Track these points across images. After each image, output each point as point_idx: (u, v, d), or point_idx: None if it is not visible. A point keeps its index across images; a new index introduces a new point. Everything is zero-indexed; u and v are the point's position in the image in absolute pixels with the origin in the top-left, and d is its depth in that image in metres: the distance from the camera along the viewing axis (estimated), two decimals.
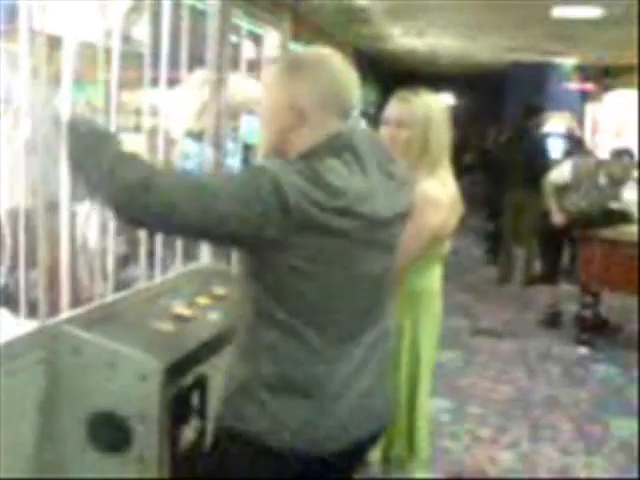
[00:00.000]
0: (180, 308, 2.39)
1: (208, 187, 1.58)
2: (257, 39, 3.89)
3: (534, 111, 7.88)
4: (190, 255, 3.08)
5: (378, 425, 1.84)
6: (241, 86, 3.38)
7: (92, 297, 2.49)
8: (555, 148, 8.89)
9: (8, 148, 2.69)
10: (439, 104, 2.61)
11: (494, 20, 8.85)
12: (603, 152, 7.85)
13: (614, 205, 5.83)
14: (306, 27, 8.85)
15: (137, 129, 2.76)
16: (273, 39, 3.56)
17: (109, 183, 1.59)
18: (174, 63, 2.92)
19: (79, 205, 2.95)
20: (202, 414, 2.16)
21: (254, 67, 3.82)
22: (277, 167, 1.57)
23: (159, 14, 2.79)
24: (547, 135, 8.56)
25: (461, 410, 4.26)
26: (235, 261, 1.86)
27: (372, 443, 1.89)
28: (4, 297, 2.43)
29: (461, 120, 15.92)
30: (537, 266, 6.93)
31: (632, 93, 10.33)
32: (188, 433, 2.10)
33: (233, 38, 3.51)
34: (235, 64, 3.34)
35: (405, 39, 11.04)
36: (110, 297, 2.41)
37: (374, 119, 13.94)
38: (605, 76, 12.31)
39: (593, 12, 7.78)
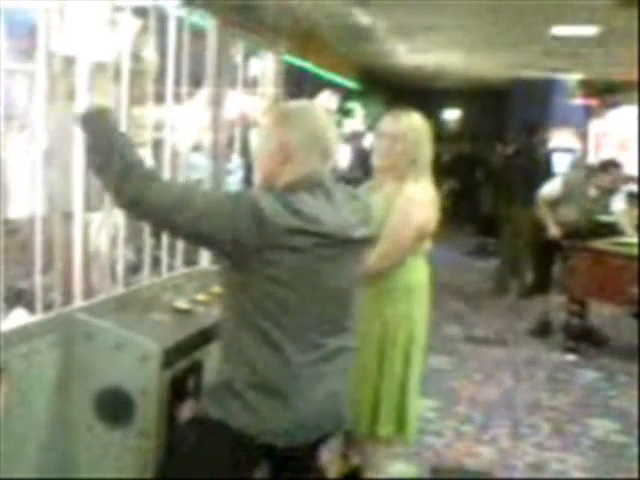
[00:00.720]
0: (180, 303, 2.66)
1: (195, 201, 1.91)
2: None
3: (534, 129, 8.08)
4: (191, 260, 3.32)
5: (336, 425, 2.18)
6: (238, 102, 3.62)
7: None
8: (561, 163, 9.08)
9: (25, 160, 2.92)
10: (425, 123, 2.98)
11: (495, 38, 9.12)
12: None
13: (603, 218, 6.07)
14: (312, 45, 9.13)
15: (146, 143, 2.96)
16: (270, 60, 3.81)
17: (119, 179, 1.93)
18: (179, 80, 3.16)
19: (92, 214, 3.16)
20: (197, 396, 2.43)
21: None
22: (257, 193, 1.94)
23: (165, 33, 3.04)
24: (552, 150, 8.68)
25: (447, 409, 4.50)
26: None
27: (328, 439, 2.22)
28: (22, 299, 2.68)
29: (467, 135, 16.17)
30: (529, 277, 7.15)
31: (635, 109, 10.50)
32: (184, 412, 2.36)
33: (237, 57, 3.78)
34: (234, 81, 3.57)
35: (410, 56, 11.27)
36: (118, 292, 2.68)
37: None
38: (608, 92, 12.48)
39: (590, 30, 8.04)
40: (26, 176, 2.74)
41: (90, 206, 2.66)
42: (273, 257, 1.89)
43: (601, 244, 5.63)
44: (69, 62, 2.56)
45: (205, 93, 3.39)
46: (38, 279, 2.34)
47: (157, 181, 1.97)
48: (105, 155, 1.96)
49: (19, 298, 2.77)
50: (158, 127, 3.15)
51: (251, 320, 1.96)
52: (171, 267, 3.09)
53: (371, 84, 13.41)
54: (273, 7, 3.47)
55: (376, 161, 3.01)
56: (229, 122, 3.54)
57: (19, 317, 2.50)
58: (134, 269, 3.27)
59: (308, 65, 9.39)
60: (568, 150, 11.20)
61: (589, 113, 12.96)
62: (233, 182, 3.67)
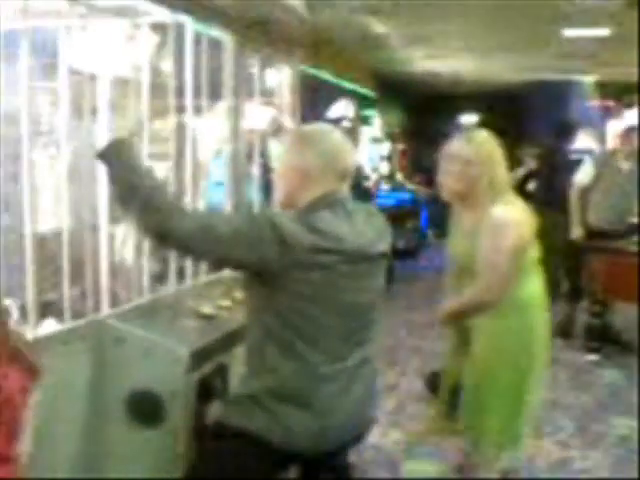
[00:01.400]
0: (205, 308, 2.74)
1: (218, 228, 1.97)
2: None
3: (568, 129, 7.88)
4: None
5: (362, 430, 2.28)
6: (256, 113, 3.70)
7: None
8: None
9: (51, 175, 3.02)
10: (494, 140, 2.94)
11: (509, 41, 9.16)
12: None
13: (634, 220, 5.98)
14: (328, 54, 9.21)
15: (169, 156, 3.02)
16: (285, 70, 3.88)
17: (142, 212, 1.97)
18: (198, 93, 3.24)
19: (116, 227, 3.24)
20: (222, 397, 2.50)
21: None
22: (277, 215, 2.02)
23: (183, 47, 3.12)
24: (578, 151, 8.46)
25: None
26: None
27: (354, 445, 2.31)
28: (50, 311, 2.78)
29: None
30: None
31: None
32: (211, 413, 2.44)
33: (254, 68, 3.86)
34: (252, 92, 3.65)
35: (426, 62, 11.32)
36: (145, 299, 2.77)
37: (398, 139, 14.15)
38: (624, 93, 12.47)
39: (601, 32, 8.06)
40: (52, 191, 2.80)
41: (114, 218, 2.72)
42: (296, 274, 1.98)
43: (620, 243, 5.64)
44: (92, 79, 2.65)
45: (223, 105, 3.46)
46: (66, 290, 2.42)
47: (179, 211, 2.00)
48: (127, 188, 1.99)
49: (48, 309, 2.87)
50: (179, 140, 3.22)
51: (276, 332, 2.05)
52: (195, 274, 3.18)
53: (388, 91, 13.46)
54: (287, 19, 3.54)
55: (448, 185, 2.88)
56: (248, 132, 3.62)
57: (50, 326, 2.59)
58: (159, 278, 3.34)
59: (324, 74, 9.47)
60: (587, 151, 11.17)
61: (606, 114, 12.93)
62: (253, 189, 3.73)
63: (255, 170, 3.69)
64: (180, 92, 3.08)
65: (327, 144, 2.13)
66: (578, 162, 7.51)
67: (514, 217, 2.76)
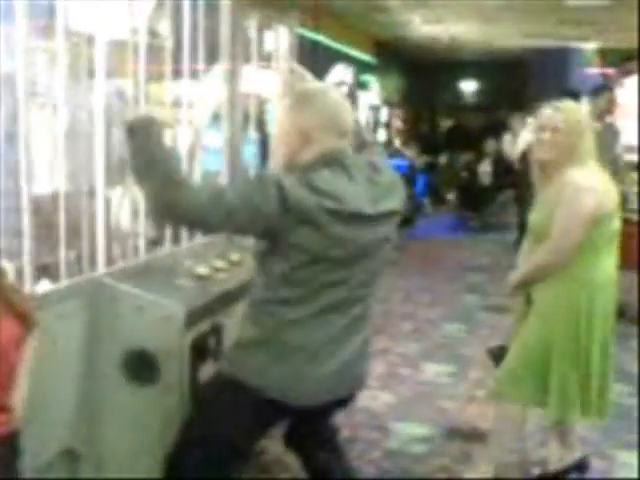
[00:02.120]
0: (200, 269, 2.77)
1: (226, 198, 2.01)
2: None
3: (571, 97, 7.93)
4: None
5: (353, 387, 2.32)
6: (253, 77, 3.69)
7: None
8: None
9: (48, 136, 3.02)
10: (582, 109, 3.02)
11: (510, 7, 9.10)
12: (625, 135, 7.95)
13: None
14: (326, 18, 9.15)
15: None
16: (283, 33, 3.86)
17: (156, 187, 2.01)
18: (195, 56, 3.23)
19: (113, 191, 3.25)
20: (217, 357, 2.56)
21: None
22: (280, 177, 2.03)
23: (180, 9, 3.10)
24: None
25: (461, 374, 4.62)
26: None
27: (344, 405, 2.36)
28: (46, 274, 2.80)
29: (485, 106, 16.03)
30: None
31: None
32: (205, 372, 2.49)
33: (251, 31, 3.84)
34: (249, 56, 3.63)
35: (425, 27, 11.25)
36: (141, 258, 2.80)
37: (397, 105, 14.08)
38: (625, 60, 12.39)
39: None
40: (48, 153, 2.80)
41: (111, 182, 2.74)
42: (299, 232, 2.01)
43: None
44: (89, 40, 2.64)
45: (220, 68, 3.44)
46: (62, 252, 2.45)
47: (189, 187, 2.04)
48: (150, 161, 2.01)
49: (44, 272, 2.89)
50: (175, 104, 3.22)
51: (280, 285, 2.09)
52: (190, 238, 3.20)
53: (386, 57, 13.39)
54: None
55: (539, 155, 2.96)
56: (244, 96, 3.61)
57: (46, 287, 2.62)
58: (154, 243, 3.36)
59: (321, 38, 9.42)
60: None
61: (606, 82, 12.85)
62: (251, 155, 3.74)
63: (252, 135, 3.70)
64: (177, 55, 3.08)
65: (326, 102, 2.14)
66: None
67: (594, 185, 2.82)
